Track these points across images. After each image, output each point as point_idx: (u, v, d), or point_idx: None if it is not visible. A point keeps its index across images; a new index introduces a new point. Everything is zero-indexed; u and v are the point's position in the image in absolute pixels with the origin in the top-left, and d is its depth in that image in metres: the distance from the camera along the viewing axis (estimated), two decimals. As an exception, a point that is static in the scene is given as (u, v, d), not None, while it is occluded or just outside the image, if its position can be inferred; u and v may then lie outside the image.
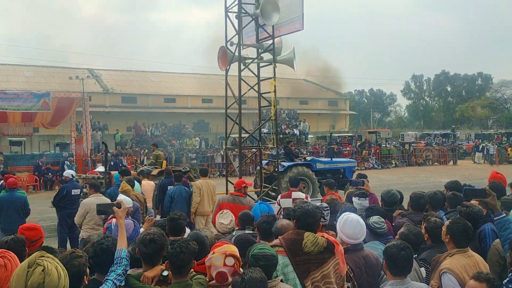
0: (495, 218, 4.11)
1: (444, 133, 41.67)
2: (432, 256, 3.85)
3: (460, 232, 3.63)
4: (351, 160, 19.49)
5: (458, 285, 3.40)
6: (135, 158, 24.60)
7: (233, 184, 8.12)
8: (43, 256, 2.26)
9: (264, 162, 15.72)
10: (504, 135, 38.01)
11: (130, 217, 5.14)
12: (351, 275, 3.65)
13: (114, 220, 5.10)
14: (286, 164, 15.42)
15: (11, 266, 2.59)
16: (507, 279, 3.24)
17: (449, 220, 3.84)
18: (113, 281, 2.97)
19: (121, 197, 6.51)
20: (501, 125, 60.01)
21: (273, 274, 3.13)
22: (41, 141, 30.89)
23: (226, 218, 5.08)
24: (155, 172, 11.66)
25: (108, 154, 12.13)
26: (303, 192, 8.39)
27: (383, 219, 4.50)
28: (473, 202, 4.61)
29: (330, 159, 17.35)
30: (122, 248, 3.22)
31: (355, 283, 3.65)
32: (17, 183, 8.68)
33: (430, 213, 4.78)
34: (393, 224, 5.14)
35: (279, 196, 7.62)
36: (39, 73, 44.17)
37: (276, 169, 12.88)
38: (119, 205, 3.61)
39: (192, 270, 3.30)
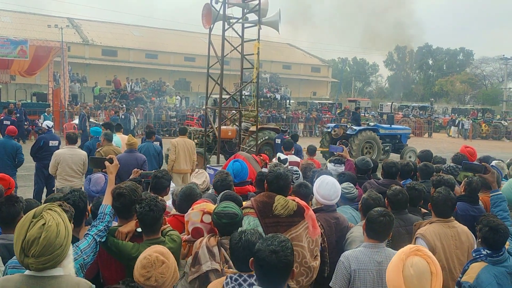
0: (491, 194, 4.24)
1: (422, 105, 42.30)
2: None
3: (440, 201, 3.74)
4: (407, 127, 20.86)
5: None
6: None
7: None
8: (50, 209, 2.18)
9: (332, 125, 17.96)
10: (480, 111, 38.82)
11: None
12: (322, 232, 3.82)
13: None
14: (356, 128, 16.50)
15: None
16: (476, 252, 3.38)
17: (435, 190, 3.97)
18: (94, 236, 2.94)
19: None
20: (478, 101, 61.04)
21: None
22: (17, 90, 30.18)
23: (200, 178, 5.19)
24: (254, 128, 13.55)
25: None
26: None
27: (352, 185, 4.70)
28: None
29: (389, 125, 18.58)
30: (107, 204, 3.20)
31: (325, 239, 3.82)
32: (16, 132, 9.04)
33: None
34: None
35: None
36: (17, 19, 42.64)
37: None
38: (111, 160, 3.53)
39: (168, 225, 3.38)
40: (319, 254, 3.67)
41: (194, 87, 41.65)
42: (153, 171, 4.77)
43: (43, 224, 2.08)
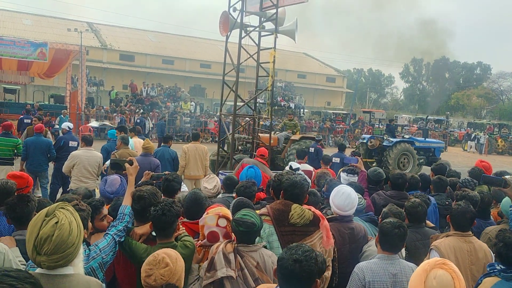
0: (510, 209, 4.16)
1: (437, 119, 41.89)
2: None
3: (458, 215, 3.67)
4: (440, 141, 21.09)
5: None
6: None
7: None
8: (62, 208, 2.20)
9: (367, 136, 18.12)
10: (496, 126, 38.31)
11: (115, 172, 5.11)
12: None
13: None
14: (393, 140, 16.82)
15: None
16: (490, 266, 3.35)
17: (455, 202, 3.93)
18: (113, 236, 2.98)
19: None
20: (494, 116, 60.23)
21: (255, 239, 3.20)
22: (35, 91, 30.66)
23: (211, 183, 5.17)
24: (295, 137, 14.60)
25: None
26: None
27: (360, 196, 4.62)
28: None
29: (424, 138, 18.76)
30: (127, 204, 3.24)
31: (335, 249, 3.78)
32: (43, 128, 9.42)
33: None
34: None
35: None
36: (38, 22, 43.39)
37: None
38: (131, 162, 3.56)
39: (183, 230, 3.39)
40: (331, 264, 3.64)
41: (209, 94, 41.83)
42: (164, 172, 4.79)
43: (56, 223, 2.10)
